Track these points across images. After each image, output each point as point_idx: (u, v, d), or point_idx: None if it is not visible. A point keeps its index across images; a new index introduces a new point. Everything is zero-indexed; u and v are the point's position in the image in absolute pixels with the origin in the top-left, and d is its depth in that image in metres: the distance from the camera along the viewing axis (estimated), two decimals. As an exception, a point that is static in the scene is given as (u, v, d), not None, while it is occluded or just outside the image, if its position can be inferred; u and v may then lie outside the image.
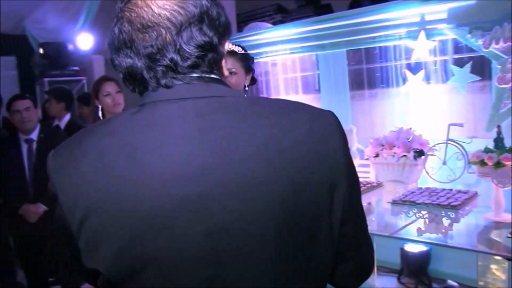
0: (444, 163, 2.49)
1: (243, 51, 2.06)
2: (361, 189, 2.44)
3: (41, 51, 5.06)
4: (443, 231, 2.01)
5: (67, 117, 3.95)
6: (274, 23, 4.45)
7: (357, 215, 0.82)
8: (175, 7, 0.71)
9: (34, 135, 3.08)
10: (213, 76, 0.76)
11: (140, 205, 0.66)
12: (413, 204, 2.15)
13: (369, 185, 2.53)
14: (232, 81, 2.03)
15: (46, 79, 5.02)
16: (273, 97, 4.38)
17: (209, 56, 0.74)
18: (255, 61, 4.18)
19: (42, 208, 2.96)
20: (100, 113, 2.77)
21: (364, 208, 0.90)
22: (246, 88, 2.10)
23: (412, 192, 2.31)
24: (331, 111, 0.79)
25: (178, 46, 0.70)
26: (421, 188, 2.42)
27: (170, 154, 0.68)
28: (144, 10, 0.70)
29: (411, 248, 3.12)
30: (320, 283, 0.78)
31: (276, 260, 0.69)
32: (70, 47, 5.17)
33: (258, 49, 4.20)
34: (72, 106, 4.19)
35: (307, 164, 0.71)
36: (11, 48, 5.34)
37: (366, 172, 2.82)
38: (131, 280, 0.68)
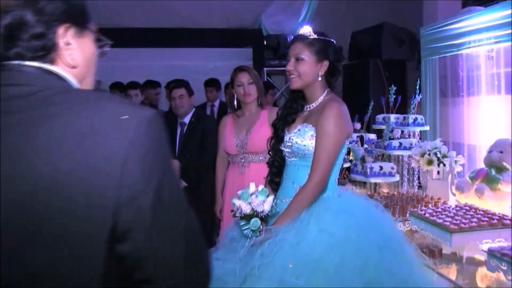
0: None
1: (315, 36, 1.82)
2: (470, 225, 1.78)
3: (265, 42, 5.60)
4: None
5: (218, 101, 5.05)
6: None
7: (148, 231, 0.73)
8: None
9: (187, 119, 3.46)
10: (35, 64, 0.78)
11: None
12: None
13: (485, 221, 1.79)
14: (300, 69, 1.82)
15: (265, 68, 5.55)
16: (471, 97, 3.59)
17: (32, 44, 0.76)
18: (454, 53, 3.53)
19: (183, 184, 3.27)
20: (235, 102, 2.92)
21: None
22: (319, 79, 1.84)
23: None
24: (153, 111, 0.75)
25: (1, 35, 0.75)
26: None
27: None
28: None
29: None
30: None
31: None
32: (291, 38, 5.52)
33: (462, 39, 3.51)
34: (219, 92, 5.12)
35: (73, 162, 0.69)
36: (248, 41, 6.11)
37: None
38: None
